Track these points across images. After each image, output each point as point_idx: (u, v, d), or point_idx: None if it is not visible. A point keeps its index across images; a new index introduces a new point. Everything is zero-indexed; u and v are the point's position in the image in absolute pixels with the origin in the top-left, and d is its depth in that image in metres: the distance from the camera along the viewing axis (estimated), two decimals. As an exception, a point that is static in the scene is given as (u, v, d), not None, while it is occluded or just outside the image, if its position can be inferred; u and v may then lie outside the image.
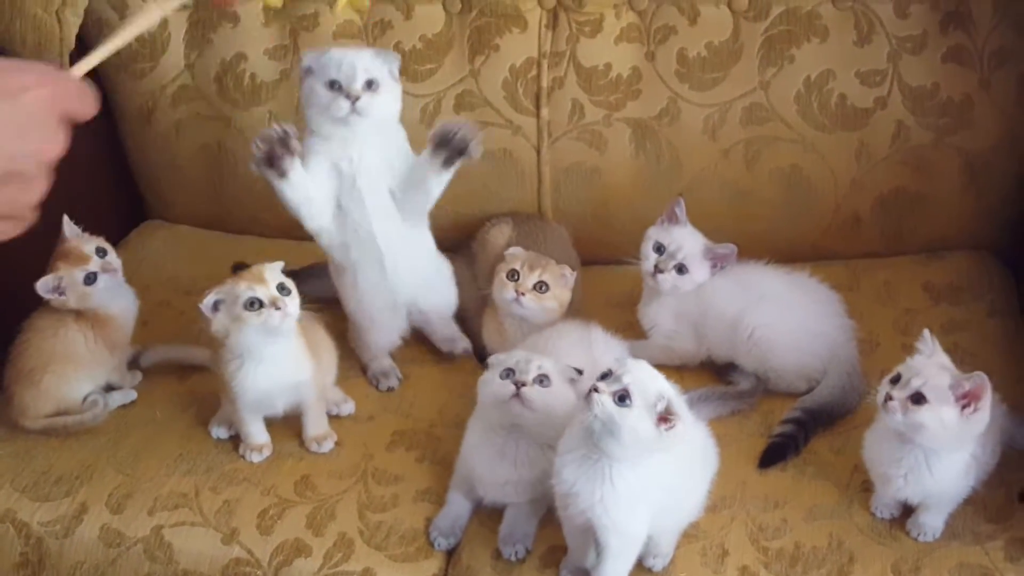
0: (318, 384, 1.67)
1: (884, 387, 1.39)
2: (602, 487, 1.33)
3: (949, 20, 1.91)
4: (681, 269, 1.76)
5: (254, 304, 1.50)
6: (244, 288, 1.51)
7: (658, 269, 1.76)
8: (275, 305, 1.50)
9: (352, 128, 1.63)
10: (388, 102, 1.65)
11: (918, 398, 1.34)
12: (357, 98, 1.59)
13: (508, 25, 2.03)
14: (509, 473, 1.52)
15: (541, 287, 1.75)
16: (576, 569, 1.44)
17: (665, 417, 1.27)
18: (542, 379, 1.47)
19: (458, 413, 1.69)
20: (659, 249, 1.78)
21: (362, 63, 1.61)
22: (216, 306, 1.53)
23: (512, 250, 1.83)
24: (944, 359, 1.40)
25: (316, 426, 1.68)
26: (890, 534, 1.47)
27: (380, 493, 1.61)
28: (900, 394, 1.36)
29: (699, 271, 1.77)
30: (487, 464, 1.53)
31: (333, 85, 1.61)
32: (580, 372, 1.47)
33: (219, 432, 1.71)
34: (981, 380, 1.33)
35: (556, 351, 1.60)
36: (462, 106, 2.05)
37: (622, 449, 1.30)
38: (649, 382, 1.29)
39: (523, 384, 1.46)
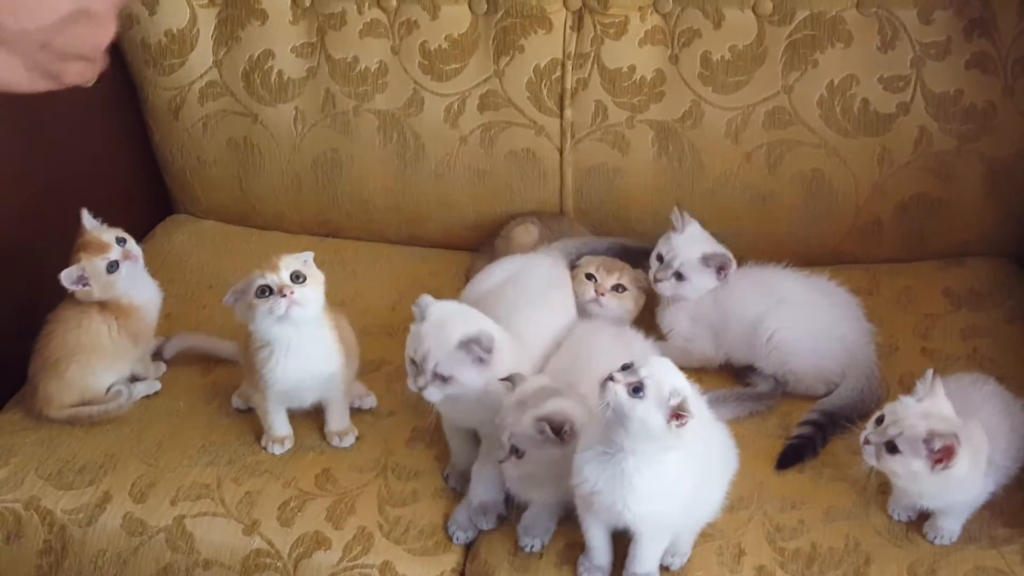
0: (345, 378, 1.69)
1: (869, 426, 1.41)
2: (622, 485, 1.34)
3: (973, 27, 1.91)
4: (680, 276, 1.79)
5: (264, 291, 1.53)
6: (257, 275, 1.54)
7: (656, 279, 1.80)
8: (281, 292, 1.52)
9: None
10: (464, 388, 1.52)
11: (891, 447, 1.36)
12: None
13: (533, 26, 2.05)
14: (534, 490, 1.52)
15: (619, 288, 1.79)
16: (594, 566, 1.45)
17: (678, 413, 1.28)
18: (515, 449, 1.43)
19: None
20: (660, 258, 1.81)
21: (435, 355, 1.50)
22: (238, 296, 1.56)
23: (585, 259, 1.86)
24: (936, 404, 1.39)
25: (339, 421, 1.70)
26: (907, 536, 1.48)
27: (400, 488, 1.62)
28: (876, 439, 1.38)
29: (699, 278, 1.79)
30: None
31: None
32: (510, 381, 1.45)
33: (238, 403, 1.75)
34: (951, 441, 1.34)
35: (595, 350, 1.61)
36: (486, 106, 2.06)
37: (631, 441, 1.31)
38: (666, 378, 1.30)
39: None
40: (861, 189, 1.99)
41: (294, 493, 1.61)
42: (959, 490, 1.41)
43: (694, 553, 1.47)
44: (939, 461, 1.34)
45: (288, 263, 1.55)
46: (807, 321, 1.76)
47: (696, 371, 1.76)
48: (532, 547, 1.50)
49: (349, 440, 1.70)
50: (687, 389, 1.31)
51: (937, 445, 1.34)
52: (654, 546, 1.41)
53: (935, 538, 1.46)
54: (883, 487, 1.53)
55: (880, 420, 1.40)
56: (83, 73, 0.94)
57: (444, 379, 1.50)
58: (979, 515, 1.46)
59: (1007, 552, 1.43)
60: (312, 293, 1.56)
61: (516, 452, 1.42)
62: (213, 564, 1.56)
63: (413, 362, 1.53)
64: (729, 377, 1.81)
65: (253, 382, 1.64)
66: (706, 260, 1.79)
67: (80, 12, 0.89)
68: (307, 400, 1.68)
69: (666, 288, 1.80)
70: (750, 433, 1.65)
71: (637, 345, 1.70)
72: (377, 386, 1.80)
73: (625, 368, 1.31)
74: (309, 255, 1.60)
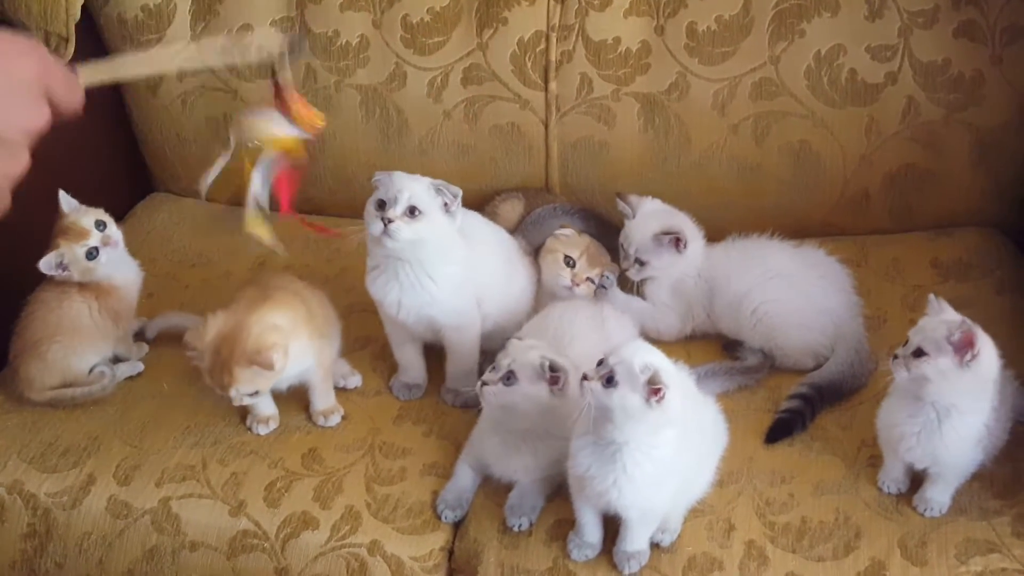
0: (323, 364, 1.67)
1: (896, 351, 1.41)
2: (614, 472, 1.34)
3: (961, -6, 1.90)
4: (640, 262, 1.79)
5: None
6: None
7: (623, 268, 1.82)
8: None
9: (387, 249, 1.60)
10: (427, 231, 1.59)
11: (918, 352, 1.37)
12: (391, 221, 1.56)
13: (517, -2, 2.02)
14: (516, 461, 1.52)
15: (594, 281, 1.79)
16: (585, 543, 1.45)
17: (654, 389, 1.27)
18: (509, 377, 1.45)
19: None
20: (624, 249, 1.83)
21: (411, 189, 1.57)
22: None
23: (566, 232, 1.83)
24: (949, 316, 1.41)
25: (323, 400, 1.69)
26: (897, 509, 1.47)
27: (387, 466, 1.61)
28: (904, 352, 1.39)
29: (659, 258, 1.79)
30: (495, 451, 1.54)
31: (381, 205, 1.58)
32: (556, 372, 1.46)
33: None
34: (967, 327, 1.35)
35: (571, 329, 1.61)
36: (470, 80, 2.04)
37: (620, 431, 1.31)
38: (635, 357, 1.29)
39: (485, 384, 1.46)
40: (849, 160, 1.97)
41: (280, 473, 1.60)
42: (960, 449, 1.41)
43: (684, 529, 1.46)
44: (963, 352, 1.35)
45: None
46: (792, 295, 1.75)
47: (684, 346, 1.78)
48: (520, 526, 1.49)
49: (335, 419, 1.68)
50: (659, 362, 1.30)
51: (956, 336, 1.35)
52: (644, 528, 1.41)
53: (925, 510, 1.45)
54: (872, 460, 1.53)
55: (906, 343, 1.40)
56: None
57: (414, 214, 1.55)
58: (969, 487, 1.46)
59: (997, 524, 1.43)
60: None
61: (509, 378, 1.44)
62: (199, 546, 1.55)
63: (381, 204, 1.56)
64: (717, 351, 1.80)
65: None
66: (658, 240, 1.78)
67: None
68: (283, 383, 1.65)
69: (634, 275, 1.81)
70: (739, 407, 1.64)
71: (612, 322, 1.69)
72: (362, 365, 1.79)
73: (600, 364, 1.31)
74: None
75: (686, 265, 1.80)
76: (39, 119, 0.91)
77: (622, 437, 1.32)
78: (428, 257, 1.61)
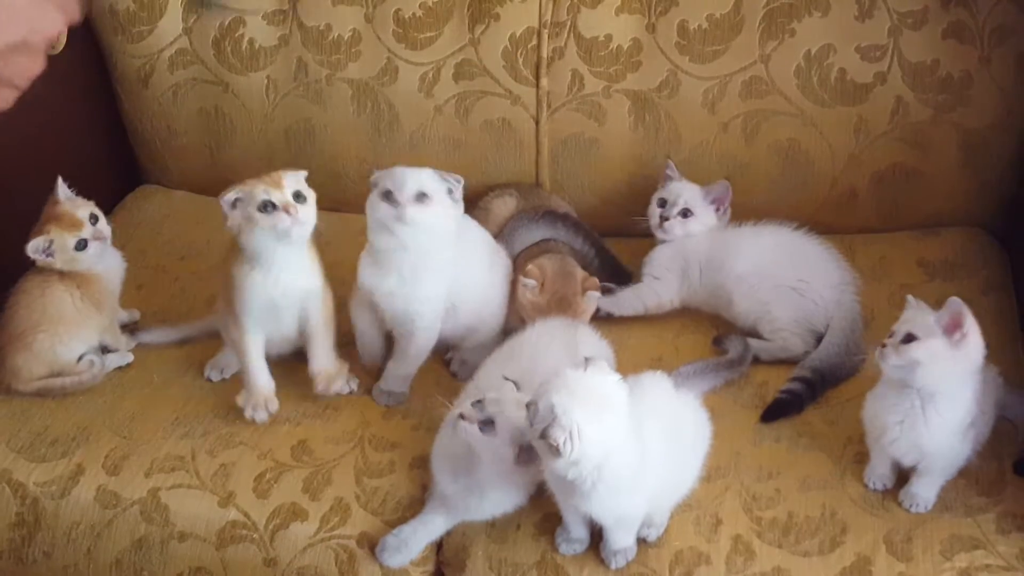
0: (327, 304, 1.67)
1: (884, 341, 1.43)
2: (575, 488, 1.34)
3: (951, -4, 1.91)
4: (686, 213, 1.88)
5: (267, 207, 1.53)
6: (261, 190, 1.53)
7: (663, 218, 1.89)
8: (287, 210, 1.52)
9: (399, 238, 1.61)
10: (438, 216, 1.61)
11: (908, 338, 1.39)
12: (403, 207, 1.58)
13: (509, -6, 2.03)
14: (468, 500, 1.50)
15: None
16: (572, 539, 1.45)
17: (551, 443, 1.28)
18: (488, 423, 1.41)
19: (453, 383, 1.71)
20: (662, 204, 1.90)
21: (416, 177, 1.60)
22: (235, 204, 1.55)
23: (528, 283, 1.77)
24: (927, 311, 1.43)
25: (324, 358, 1.67)
26: (882, 505, 1.48)
27: (377, 459, 1.61)
28: (892, 340, 1.40)
29: (704, 213, 1.89)
30: (445, 480, 1.51)
31: (387, 195, 1.59)
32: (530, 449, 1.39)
33: (212, 374, 1.75)
34: (957, 306, 1.37)
35: (544, 353, 1.60)
36: (461, 75, 2.04)
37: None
38: (541, 400, 1.29)
39: (463, 416, 1.42)
40: (837, 159, 1.98)
41: (270, 465, 1.60)
42: (945, 440, 1.42)
43: (671, 523, 1.47)
44: (953, 332, 1.37)
45: (290, 181, 1.56)
46: (794, 260, 1.81)
47: (673, 341, 1.79)
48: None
49: (338, 385, 1.68)
50: (565, 412, 1.26)
51: (945, 318, 1.38)
52: (622, 531, 1.42)
53: (911, 506, 1.47)
54: (859, 456, 1.54)
55: (890, 335, 1.42)
56: (7, 100, 1.08)
57: (424, 199, 1.58)
58: (954, 484, 1.48)
59: (982, 521, 1.44)
60: (311, 213, 1.57)
61: (488, 424, 1.40)
62: (188, 536, 1.56)
63: (387, 194, 1.58)
64: (705, 347, 1.80)
65: (230, 303, 1.63)
66: (707, 194, 1.89)
67: (23, 43, 1.03)
68: (284, 321, 1.65)
69: (674, 227, 1.89)
70: (727, 404, 1.65)
71: (585, 348, 1.62)
72: (351, 361, 1.77)
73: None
74: (303, 173, 1.60)
75: (701, 227, 1.89)
76: (54, 26, 1.06)
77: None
78: (432, 247, 1.62)
